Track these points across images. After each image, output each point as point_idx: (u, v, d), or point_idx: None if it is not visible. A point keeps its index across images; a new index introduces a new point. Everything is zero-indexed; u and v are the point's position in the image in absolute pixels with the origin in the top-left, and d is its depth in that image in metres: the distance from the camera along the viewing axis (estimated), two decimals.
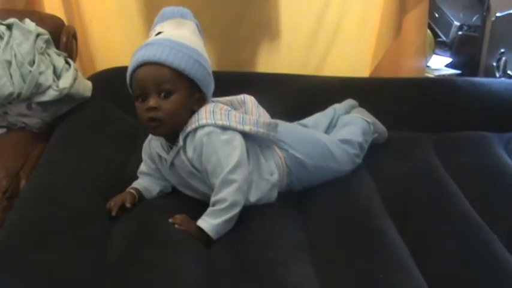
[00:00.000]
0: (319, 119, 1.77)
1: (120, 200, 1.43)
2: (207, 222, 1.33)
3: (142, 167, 1.51)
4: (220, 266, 1.28)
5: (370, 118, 1.79)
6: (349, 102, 1.86)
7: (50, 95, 1.68)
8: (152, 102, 1.33)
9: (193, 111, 1.38)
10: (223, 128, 1.35)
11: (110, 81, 1.95)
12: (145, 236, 1.33)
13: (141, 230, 1.35)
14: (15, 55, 1.65)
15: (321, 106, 1.88)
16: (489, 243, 1.38)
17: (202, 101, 1.40)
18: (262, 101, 1.91)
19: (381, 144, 1.78)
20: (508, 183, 1.61)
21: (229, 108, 1.43)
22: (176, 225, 1.36)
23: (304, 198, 1.52)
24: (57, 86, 1.68)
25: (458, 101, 2.05)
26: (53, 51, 1.78)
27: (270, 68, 2.32)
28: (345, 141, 1.64)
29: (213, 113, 1.37)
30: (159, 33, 1.39)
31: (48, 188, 1.41)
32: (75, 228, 1.31)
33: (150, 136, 1.48)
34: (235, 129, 1.37)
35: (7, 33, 1.70)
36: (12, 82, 1.63)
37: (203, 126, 1.35)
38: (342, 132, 1.70)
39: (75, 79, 1.73)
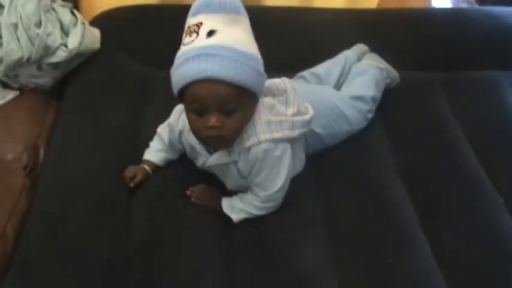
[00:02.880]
0: (330, 68, 1.75)
1: (133, 173, 1.46)
2: (235, 212, 1.39)
3: (158, 145, 1.50)
4: (240, 248, 1.35)
5: (383, 64, 1.77)
6: (360, 47, 1.83)
7: (60, 55, 1.65)
8: (214, 120, 1.22)
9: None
10: (277, 141, 1.32)
11: (116, 25, 1.91)
12: (167, 218, 1.38)
13: (162, 210, 1.40)
14: (20, 17, 1.60)
15: (330, 43, 1.87)
16: (495, 213, 1.46)
17: (256, 104, 1.32)
18: (269, 40, 1.91)
19: (393, 92, 1.76)
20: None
21: (276, 106, 1.35)
22: (192, 199, 1.42)
23: (320, 164, 1.55)
24: (66, 47, 1.66)
25: (469, 34, 2.01)
26: (58, 4, 1.72)
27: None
28: (357, 98, 1.63)
29: (268, 124, 1.31)
30: (211, 32, 1.20)
31: (66, 173, 1.45)
32: (98, 215, 1.37)
33: (181, 124, 1.40)
34: (287, 139, 1.34)
35: None
36: (20, 46, 1.59)
37: (260, 142, 1.30)
38: (354, 84, 1.69)
39: (83, 35, 1.70)
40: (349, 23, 2.01)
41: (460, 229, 1.40)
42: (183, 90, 1.24)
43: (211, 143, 1.33)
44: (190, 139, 1.38)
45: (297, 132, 1.37)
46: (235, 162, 1.36)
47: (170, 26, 1.81)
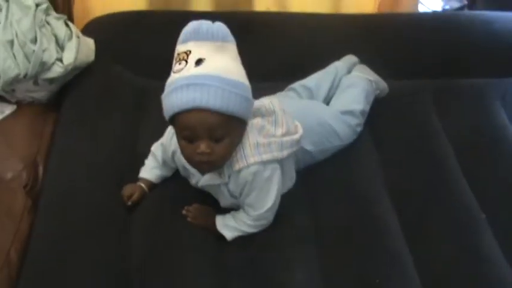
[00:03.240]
0: (320, 80, 1.79)
1: (130, 191, 1.51)
2: (228, 230, 1.44)
3: (152, 163, 1.55)
4: (234, 267, 1.41)
5: (372, 76, 1.81)
6: (350, 59, 1.87)
7: (56, 71, 1.68)
8: (204, 147, 1.27)
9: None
10: (266, 163, 1.37)
11: (109, 32, 1.94)
12: (164, 237, 1.44)
13: (159, 230, 1.46)
14: (16, 34, 1.63)
15: (323, 49, 1.91)
16: (478, 230, 1.52)
17: (245, 129, 1.37)
18: (263, 46, 1.95)
19: (382, 102, 1.82)
20: (501, 154, 1.71)
21: (265, 127, 1.39)
22: (188, 219, 1.47)
23: (309, 180, 1.59)
24: (62, 62, 1.69)
25: (459, 39, 2.05)
26: (52, 17, 1.74)
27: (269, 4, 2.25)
28: (347, 113, 1.68)
29: (257, 147, 1.35)
30: (199, 60, 1.24)
31: (66, 192, 1.50)
32: (98, 234, 1.42)
33: (174, 145, 1.43)
34: (276, 160, 1.39)
35: (4, 5, 1.66)
36: (17, 63, 1.62)
37: (249, 165, 1.35)
38: (344, 98, 1.74)
39: (77, 49, 1.72)
40: (338, 29, 2.04)
41: (444, 247, 1.46)
42: (173, 117, 1.29)
43: (201, 168, 1.38)
44: (183, 160, 1.42)
45: (285, 153, 1.42)
46: (226, 183, 1.41)
47: (163, 32, 1.87)
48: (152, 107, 1.74)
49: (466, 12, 2.50)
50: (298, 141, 1.46)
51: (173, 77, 1.28)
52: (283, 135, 1.42)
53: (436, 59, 1.99)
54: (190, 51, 1.27)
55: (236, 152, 1.35)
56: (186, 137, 1.29)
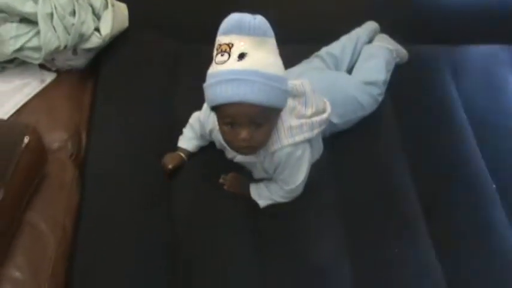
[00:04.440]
0: (344, 48, 1.89)
1: (170, 161, 1.63)
2: (261, 198, 1.58)
3: (190, 133, 1.65)
4: (265, 233, 1.55)
5: (393, 45, 1.89)
6: (371, 25, 1.95)
7: (94, 42, 1.76)
8: (244, 134, 1.36)
9: None
10: (298, 144, 1.47)
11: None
12: (204, 207, 1.58)
13: (198, 198, 1.60)
14: (55, 7, 1.69)
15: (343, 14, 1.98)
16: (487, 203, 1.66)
17: (280, 113, 1.45)
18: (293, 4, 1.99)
19: (401, 69, 1.90)
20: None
21: (296, 108, 1.49)
22: (225, 187, 1.61)
23: (335, 151, 1.71)
24: (100, 33, 1.76)
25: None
26: None
27: None
28: (370, 83, 1.77)
29: (290, 129, 1.46)
30: (242, 55, 1.31)
31: (109, 161, 1.62)
32: (143, 210, 1.56)
33: (211, 124, 1.54)
34: (306, 140, 1.49)
35: None
36: (57, 36, 1.69)
37: (283, 147, 1.46)
38: (366, 69, 1.83)
39: (113, 19, 1.78)
40: None
41: (459, 222, 1.61)
42: (217, 107, 1.39)
43: (242, 152, 1.49)
44: (220, 137, 1.52)
45: (315, 132, 1.52)
46: (261, 162, 1.53)
47: None
48: (185, 72, 1.86)
49: None
50: (326, 120, 1.56)
51: (216, 68, 1.35)
52: (313, 114, 1.52)
53: (452, 25, 2.06)
54: (232, 45, 1.33)
55: (272, 135, 1.46)
56: (228, 123, 1.39)
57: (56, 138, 1.66)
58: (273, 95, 1.35)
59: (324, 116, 1.55)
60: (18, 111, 1.70)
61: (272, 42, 1.38)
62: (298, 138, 1.48)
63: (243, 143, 1.40)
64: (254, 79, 1.32)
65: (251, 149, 1.45)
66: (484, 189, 1.67)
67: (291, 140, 1.47)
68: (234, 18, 1.34)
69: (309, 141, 1.53)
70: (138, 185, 1.60)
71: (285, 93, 1.40)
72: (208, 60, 1.38)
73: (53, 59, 1.77)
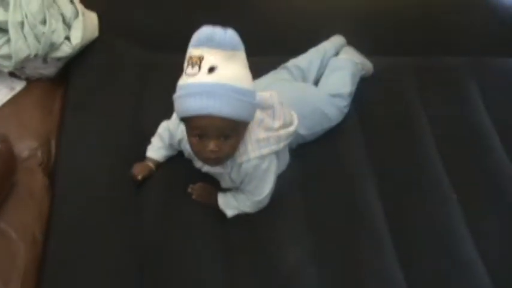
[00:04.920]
0: (311, 61, 1.94)
1: (139, 171, 1.65)
2: (229, 208, 1.61)
3: (159, 143, 1.68)
4: (232, 243, 1.59)
5: (358, 58, 1.95)
6: (338, 40, 2.00)
7: (64, 51, 1.77)
8: (212, 146, 1.40)
9: None
10: (265, 156, 1.52)
11: (111, 5, 2.01)
12: (171, 216, 1.61)
13: (167, 209, 1.62)
14: (26, 16, 1.69)
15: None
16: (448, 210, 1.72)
17: (248, 125, 1.49)
18: (263, 16, 2.03)
19: (365, 80, 1.96)
20: (473, 143, 1.88)
21: (264, 120, 1.52)
22: (193, 197, 1.64)
23: (301, 162, 1.75)
24: (70, 42, 1.77)
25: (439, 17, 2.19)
26: None
27: None
28: (336, 95, 1.82)
29: (257, 142, 1.50)
30: (212, 68, 1.34)
31: (79, 175, 1.63)
32: (112, 216, 1.58)
33: (180, 133, 1.57)
34: (273, 152, 1.54)
35: None
36: (27, 44, 1.70)
37: (250, 159, 1.50)
38: (332, 81, 1.88)
39: (84, 28, 1.80)
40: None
41: (420, 230, 1.67)
42: (185, 118, 1.43)
43: (209, 163, 1.53)
44: (188, 147, 1.54)
45: (282, 145, 1.57)
46: (228, 173, 1.57)
47: (164, 4, 1.95)
48: (155, 80, 1.88)
49: None
50: (293, 133, 1.61)
51: (186, 80, 1.38)
52: (280, 127, 1.56)
53: (417, 36, 2.13)
54: (203, 57, 1.36)
55: (239, 147, 1.50)
56: (196, 134, 1.43)
57: (25, 147, 1.68)
58: (242, 109, 1.39)
59: (291, 129, 1.60)
60: None
61: (242, 56, 1.42)
62: (265, 151, 1.53)
63: (210, 154, 1.44)
64: (223, 93, 1.36)
65: (218, 160, 1.49)
66: (444, 198, 1.73)
67: (257, 153, 1.52)
68: (205, 31, 1.37)
69: (275, 153, 1.57)
70: (107, 193, 1.61)
71: (253, 107, 1.44)
72: (178, 69, 1.41)
73: (22, 67, 1.78)
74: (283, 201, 1.65)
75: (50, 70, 1.82)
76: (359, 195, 1.71)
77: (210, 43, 1.36)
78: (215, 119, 1.37)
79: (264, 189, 1.58)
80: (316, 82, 1.91)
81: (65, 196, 1.60)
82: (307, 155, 1.76)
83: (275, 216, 1.63)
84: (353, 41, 2.02)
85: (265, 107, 1.56)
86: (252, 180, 1.56)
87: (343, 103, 1.84)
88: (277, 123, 1.56)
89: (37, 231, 1.52)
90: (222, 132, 1.40)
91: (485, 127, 1.92)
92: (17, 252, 1.45)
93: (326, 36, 2.01)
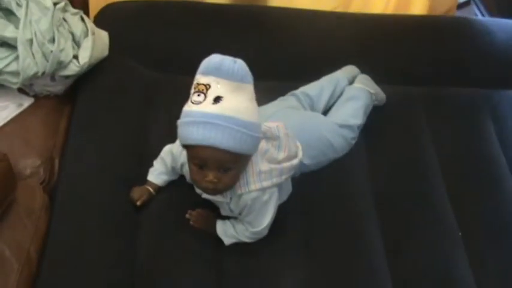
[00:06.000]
0: (321, 90, 1.90)
1: (139, 195, 1.64)
2: (227, 236, 1.59)
3: (160, 167, 1.66)
4: (227, 271, 1.57)
5: (373, 88, 1.92)
6: (351, 70, 1.97)
7: (72, 69, 1.78)
8: (211, 177, 1.39)
9: None
10: (266, 188, 1.49)
11: (122, 24, 2.03)
12: (167, 239, 1.60)
13: (163, 231, 1.61)
14: (35, 34, 1.71)
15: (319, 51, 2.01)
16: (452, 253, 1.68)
17: (250, 158, 1.46)
18: (273, 41, 2.03)
19: (375, 112, 1.91)
20: (485, 177, 1.84)
21: (269, 150, 1.51)
22: (191, 222, 1.62)
23: (303, 192, 1.72)
24: (78, 61, 1.78)
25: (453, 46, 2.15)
26: (69, 13, 1.82)
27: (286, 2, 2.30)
28: (344, 126, 1.79)
29: (259, 174, 1.47)
30: (218, 98, 1.32)
31: (79, 190, 1.64)
32: (109, 238, 1.57)
33: (182, 158, 1.55)
34: (275, 185, 1.51)
35: (24, 3, 1.73)
36: (35, 62, 1.71)
37: (250, 191, 1.48)
38: (344, 111, 1.84)
39: (93, 47, 1.80)
40: (345, 29, 2.13)
41: (419, 268, 1.63)
42: (187, 146, 1.41)
43: (207, 192, 1.51)
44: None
45: (284, 178, 1.55)
46: (227, 203, 1.55)
47: (174, 24, 1.95)
48: (162, 102, 1.87)
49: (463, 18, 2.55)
50: (297, 166, 1.59)
51: (191, 107, 1.36)
52: (284, 159, 1.54)
53: (428, 67, 2.10)
54: (209, 86, 1.34)
55: (240, 178, 1.48)
56: (196, 163, 1.41)
57: (28, 164, 1.68)
58: (244, 142, 1.36)
59: (295, 162, 1.57)
60: None
61: (250, 88, 1.39)
62: (266, 183, 1.50)
63: (209, 184, 1.42)
64: (226, 125, 1.33)
65: (217, 190, 1.47)
66: (449, 236, 1.69)
67: (258, 185, 1.49)
68: (214, 59, 1.35)
69: (277, 185, 1.55)
70: (106, 214, 1.60)
71: (257, 140, 1.41)
72: (186, 91, 1.39)
73: (31, 84, 1.79)
74: (281, 228, 1.62)
75: (58, 88, 1.83)
76: (359, 228, 1.68)
77: (218, 72, 1.34)
78: (216, 151, 1.34)
79: (263, 221, 1.55)
80: (325, 112, 1.88)
81: (63, 216, 1.59)
82: (310, 185, 1.73)
83: (273, 247, 1.60)
84: (363, 70, 2.00)
85: (270, 137, 1.55)
86: (251, 212, 1.53)
87: (351, 135, 1.81)
88: (281, 155, 1.54)
89: (32, 249, 1.51)
90: (222, 165, 1.38)
91: (497, 160, 1.87)
92: (10, 271, 1.44)
93: (336, 66, 1.99)
